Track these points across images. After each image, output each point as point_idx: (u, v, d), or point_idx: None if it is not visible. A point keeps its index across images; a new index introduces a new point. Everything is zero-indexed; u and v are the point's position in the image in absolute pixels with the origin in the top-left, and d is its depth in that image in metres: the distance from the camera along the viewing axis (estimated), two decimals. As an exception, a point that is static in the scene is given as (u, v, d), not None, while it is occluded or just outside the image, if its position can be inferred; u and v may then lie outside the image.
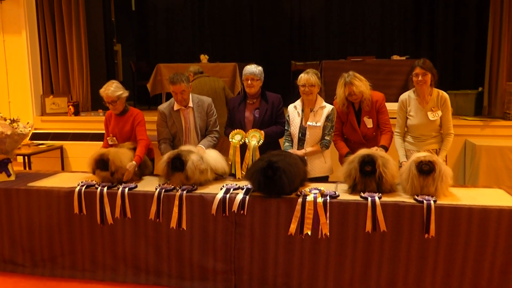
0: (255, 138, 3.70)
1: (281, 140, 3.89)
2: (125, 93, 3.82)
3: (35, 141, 6.01)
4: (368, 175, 3.06)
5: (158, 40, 8.99)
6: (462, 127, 5.33)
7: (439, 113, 3.67)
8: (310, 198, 3.01)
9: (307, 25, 8.55)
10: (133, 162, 3.48)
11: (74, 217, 3.37)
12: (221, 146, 4.29)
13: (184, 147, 3.53)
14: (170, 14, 8.89)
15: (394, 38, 8.09)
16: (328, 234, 2.98)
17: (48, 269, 3.48)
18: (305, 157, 3.63)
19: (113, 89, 3.74)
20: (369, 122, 3.76)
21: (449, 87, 6.06)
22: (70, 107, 6.46)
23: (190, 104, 3.88)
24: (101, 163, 3.40)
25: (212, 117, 3.97)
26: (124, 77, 8.88)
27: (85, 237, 3.38)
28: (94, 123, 6.15)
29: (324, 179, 3.69)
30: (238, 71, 6.45)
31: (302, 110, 3.73)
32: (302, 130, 3.69)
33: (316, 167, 3.69)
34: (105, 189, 3.31)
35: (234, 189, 3.23)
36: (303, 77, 3.63)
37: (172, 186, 3.28)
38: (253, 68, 3.83)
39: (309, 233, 3.00)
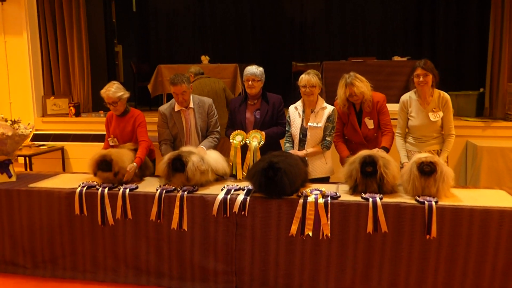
0: (256, 139, 3.70)
1: (282, 141, 3.88)
2: (126, 94, 3.82)
3: (36, 142, 6.01)
4: (369, 176, 3.06)
5: (159, 41, 8.98)
6: (464, 128, 5.32)
7: (440, 114, 3.67)
8: (311, 199, 3.01)
9: (308, 26, 8.53)
10: (134, 163, 3.48)
11: (75, 218, 3.37)
12: (222, 147, 4.29)
13: (185, 148, 3.53)
14: (171, 15, 8.88)
15: (395, 39, 8.06)
16: (329, 235, 2.98)
17: (49, 270, 3.48)
18: (306, 158, 3.62)
19: (114, 90, 3.74)
20: (370, 123, 3.75)
21: (450, 88, 6.02)
22: (71, 108, 6.45)
23: (191, 105, 3.89)
24: (103, 164, 3.39)
25: (213, 118, 3.97)
26: (125, 78, 8.87)
27: (86, 238, 3.38)
28: (95, 124, 6.15)
29: (325, 180, 3.69)
30: (239, 72, 6.45)
31: (303, 111, 3.73)
32: (303, 131, 3.69)
33: (317, 168, 3.68)
34: (106, 190, 3.31)
35: (235, 190, 3.22)
36: (304, 78, 3.63)
37: (173, 187, 3.28)
38: (254, 69, 3.83)
39: (310, 234, 3.00)
